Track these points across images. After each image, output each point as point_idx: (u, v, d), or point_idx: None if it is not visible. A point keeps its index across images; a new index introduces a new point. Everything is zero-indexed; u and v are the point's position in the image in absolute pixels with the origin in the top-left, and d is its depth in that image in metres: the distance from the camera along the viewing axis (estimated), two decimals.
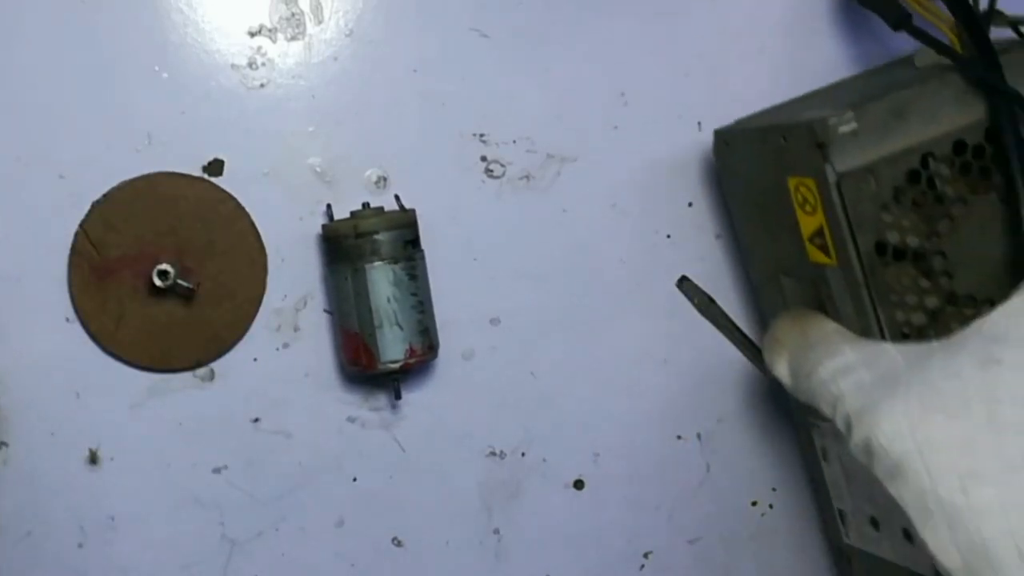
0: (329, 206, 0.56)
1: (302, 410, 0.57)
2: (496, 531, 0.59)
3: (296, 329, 0.57)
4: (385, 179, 0.58)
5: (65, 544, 0.56)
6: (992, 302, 0.49)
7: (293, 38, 0.57)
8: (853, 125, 0.49)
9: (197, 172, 0.56)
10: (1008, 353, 0.40)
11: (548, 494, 0.60)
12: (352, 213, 0.55)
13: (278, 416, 0.57)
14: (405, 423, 0.58)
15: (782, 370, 0.46)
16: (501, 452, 0.59)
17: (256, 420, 0.57)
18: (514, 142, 0.58)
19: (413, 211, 0.55)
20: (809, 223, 0.51)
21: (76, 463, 0.56)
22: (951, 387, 0.40)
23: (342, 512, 0.58)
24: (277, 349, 0.57)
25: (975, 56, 0.51)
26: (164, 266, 0.54)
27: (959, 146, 0.50)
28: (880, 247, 0.49)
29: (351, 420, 0.57)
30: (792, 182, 0.51)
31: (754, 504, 0.62)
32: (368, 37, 0.56)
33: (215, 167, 0.56)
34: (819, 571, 0.62)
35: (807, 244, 0.52)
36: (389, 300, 0.53)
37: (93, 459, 0.56)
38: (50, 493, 0.55)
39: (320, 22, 0.57)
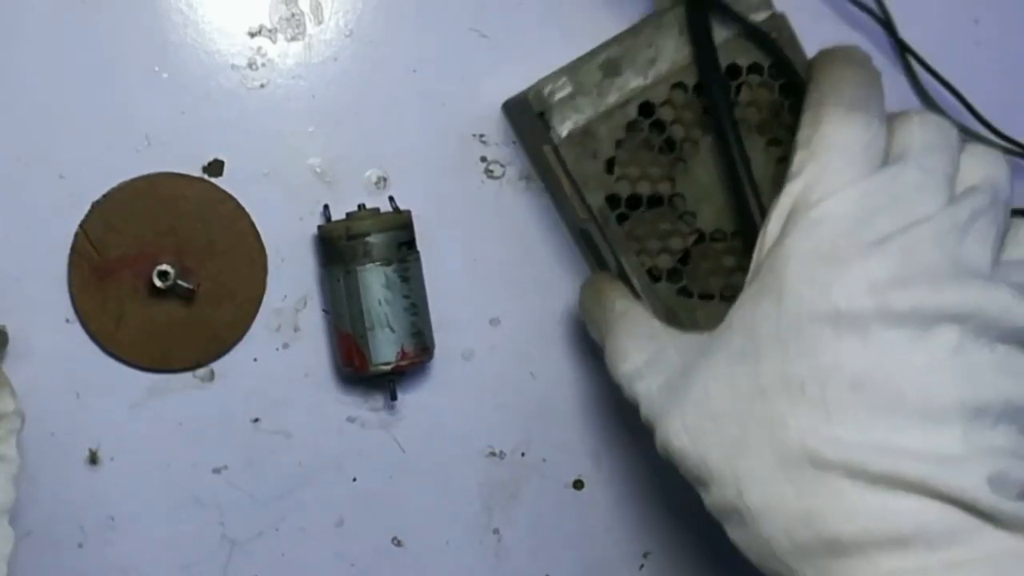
0: (327, 207, 0.56)
1: (302, 410, 0.57)
2: (496, 531, 0.59)
3: (296, 329, 0.57)
4: (385, 179, 0.58)
5: (65, 544, 0.56)
6: (741, 235, 0.52)
7: (293, 38, 0.57)
8: (568, 89, 0.51)
9: (197, 172, 0.56)
10: (751, 344, 0.41)
11: (548, 494, 0.60)
12: (347, 214, 0.55)
13: (278, 416, 0.57)
14: (405, 423, 0.58)
15: (599, 341, 0.50)
16: (501, 452, 0.59)
17: (256, 420, 0.57)
18: (514, 143, 0.58)
19: (408, 213, 0.55)
20: (566, 184, 0.53)
21: (76, 463, 0.56)
22: (717, 390, 0.41)
23: (342, 512, 0.58)
24: (277, 349, 0.57)
25: None
26: (164, 267, 0.54)
27: (679, 88, 0.51)
28: (612, 200, 0.51)
29: (351, 420, 0.58)
30: (545, 149, 0.53)
31: None
32: (368, 37, 0.56)
33: (215, 167, 0.56)
34: None
35: (573, 204, 0.54)
36: (381, 302, 0.53)
37: (93, 459, 0.56)
38: (50, 493, 0.55)
39: (320, 22, 0.57)
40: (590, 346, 0.60)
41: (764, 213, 0.47)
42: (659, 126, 0.52)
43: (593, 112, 0.51)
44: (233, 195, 0.56)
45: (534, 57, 0.58)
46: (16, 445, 0.48)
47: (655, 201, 0.52)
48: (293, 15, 0.57)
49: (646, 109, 0.51)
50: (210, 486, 0.57)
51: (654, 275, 0.52)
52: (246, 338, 0.56)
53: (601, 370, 0.59)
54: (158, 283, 0.53)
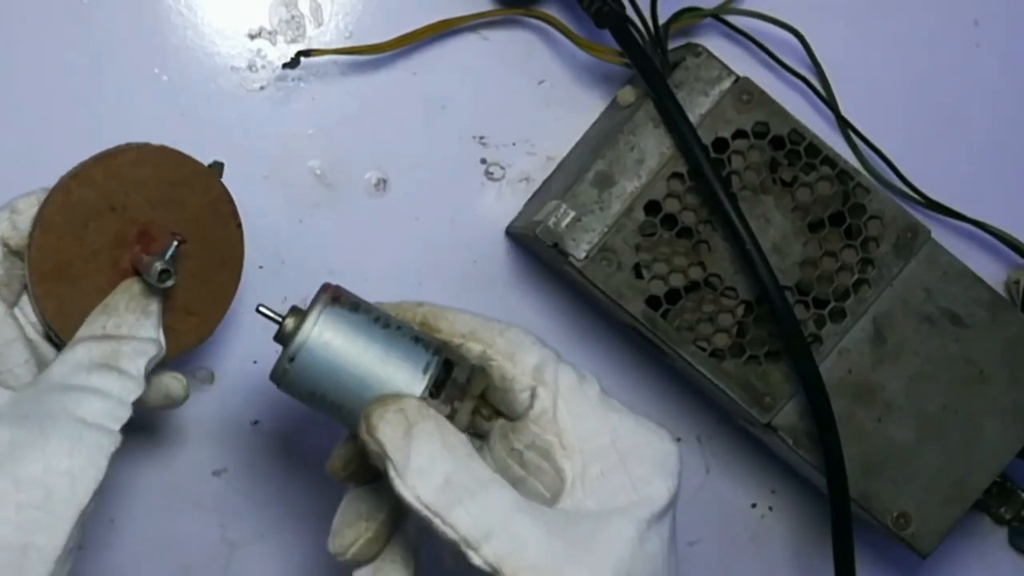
0: None
1: (302, 412, 0.57)
2: None
3: None
4: (385, 181, 0.58)
5: None
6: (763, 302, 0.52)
7: (293, 40, 0.57)
8: (571, 214, 0.52)
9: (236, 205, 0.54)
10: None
11: None
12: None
13: (278, 418, 0.57)
14: None
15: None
16: None
17: (256, 422, 0.57)
18: (513, 144, 0.59)
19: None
20: (602, 298, 0.53)
21: None
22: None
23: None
24: (277, 352, 0.57)
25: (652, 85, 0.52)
26: (161, 265, 0.46)
27: (675, 177, 0.52)
28: (651, 301, 0.52)
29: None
30: (569, 270, 0.53)
31: (753, 506, 0.62)
32: (368, 39, 0.56)
33: (215, 169, 0.56)
34: (818, 573, 0.62)
35: (615, 312, 0.55)
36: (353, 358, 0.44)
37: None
38: None
39: (320, 24, 0.57)
40: (590, 346, 0.60)
41: (773, 275, 0.50)
42: (670, 219, 0.52)
43: (603, 227, 0.52)
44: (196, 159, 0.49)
45: (534, 58, 0.59)
46: (144, 370, 0.44)
47: (693, 288, 0.52)
48: (293, 17, 0.57)
49: (652, 207, 0.52)
50: (210, 488, 0.57)
51: (718, 356, 0.52)
52: (246, 339, 0.56)
53: (601, 371, 0.60)
54: (158, 284, 0.45)
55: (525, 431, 0.43)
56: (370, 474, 0.47)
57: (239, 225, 0.50)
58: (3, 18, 0.54)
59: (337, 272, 0.57)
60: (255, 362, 0.57)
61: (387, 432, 0.41)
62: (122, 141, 0.55)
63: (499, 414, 0.45)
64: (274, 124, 0.57)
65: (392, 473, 0.40)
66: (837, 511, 0.52)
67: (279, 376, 0.43)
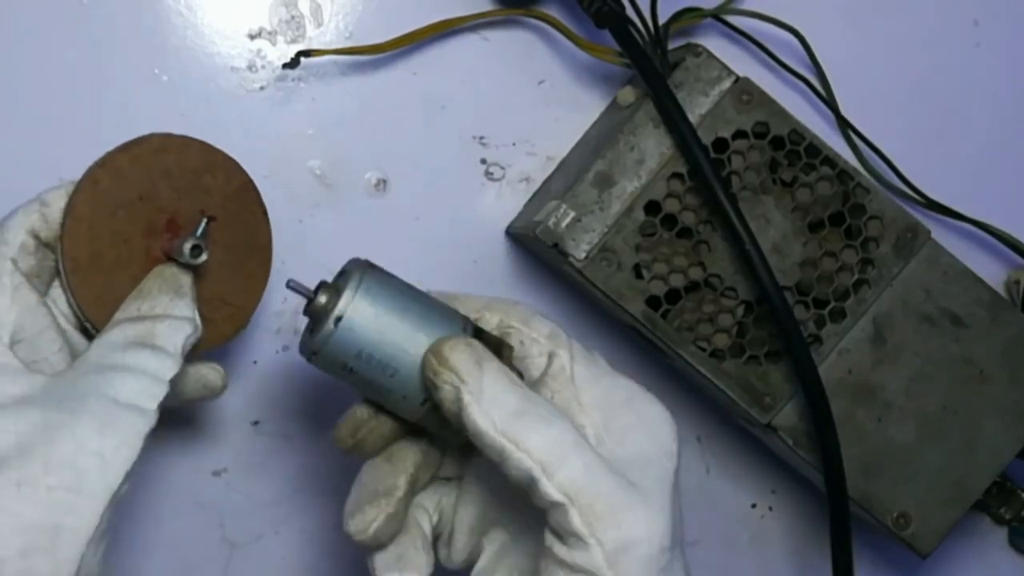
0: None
1: (302, 413, 0.57)
2: None
3: (296, 332, 0.57)
4: (385, 181, 0.58)
5: None
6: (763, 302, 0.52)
7: (293, 41, 0.57)
8: (571, 214, 0.52)
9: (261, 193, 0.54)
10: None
11: None
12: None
13: (278, 419, 0.57)
14: None
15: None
16: None
17: (256, 423, 0.57)
18: (513, 144, 0.59)
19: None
20: (602, 298, 0.53)
21: None
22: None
23: (342, 515, 0.58)
24: (277, 352, 0.57)
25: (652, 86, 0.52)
26: (193, 241, 0.46)
27: (675, 178, 0.52)
28: (652, 302, 0.52)
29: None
30: (569, 270, 0.53)
31: (753, 506, 0.62)
32: (367, 39, 0.56)
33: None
34: (819, 573, 0.62)
35: (615, 312, 0.55)
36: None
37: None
38: None
39: (320, 25, 0.57)
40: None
41: (773, 275, 0.50)
42: (670, 219, 0.52)
43: (603, 227, 0.52)
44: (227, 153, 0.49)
45: (534, 58, 0.59)
46: (182, 349, 0.44)
47: (693, 288, 0.52)
48: (293, 17, 0.57)
49: (652, 208, 0.52)
50: (210, 489, 0.57)
51: (718, 356, 0.52)
52: (246, 340, 0.56)
53: None
54: (191, 259, 0.46)
55: (544, 391, 0.44)
56: (379, 444, 0.47)
57: (265, 212, 0.50)
58: (3, 18, 0.54)
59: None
60: (255, 362, 0.57)
61: (461, 359, 0.42)
62: (123, 140, 0.55)
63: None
64: (274, 124, 0.57)
65: (468, 398, 0.41)
66: (835, 512, 0.52)
67: (320, 345, 0.43)
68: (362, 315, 0.43)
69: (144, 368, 0.43)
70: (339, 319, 0.43)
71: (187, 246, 0.45)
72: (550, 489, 0.40)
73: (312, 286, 0.44)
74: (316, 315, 0.44)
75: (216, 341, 0.49)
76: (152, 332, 0.44)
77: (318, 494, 0.58)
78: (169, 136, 0.48)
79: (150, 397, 0.42)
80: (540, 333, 0.46)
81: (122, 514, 0.55)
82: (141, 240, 0.47)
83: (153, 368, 0.43)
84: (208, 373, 0.48)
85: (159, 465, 0.56)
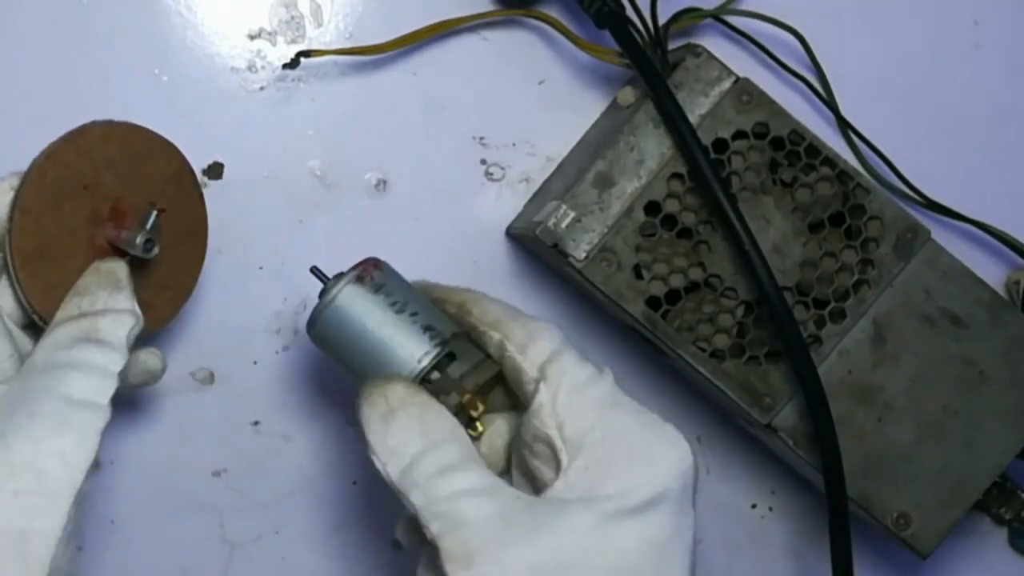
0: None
1: (302, 413, 0.57)
2: None
3: (296, 332, 0.57)
4: (385, 182, 0.58)
5: None
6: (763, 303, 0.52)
7: (293, 41, 0.57)
8: (571, 215, 0.52)
9: (196, 175, 0.55)
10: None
11: None
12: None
13: (278, 419, 0.57)
14: None
15: (388, 441, 0.43)
16: None
17: (256, 423, 0.57)
18: (514, 145, 0.59)
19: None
20: (602, 298, 0.53)
21: None
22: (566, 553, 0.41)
23: (342, 515, 0.58)
24: (277, 352, 0.57)
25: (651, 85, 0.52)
26: (147, 235, 0.46)
27: (675, 178, 0.52)
28: (652, 302, 0.52)
29: (351, 423, 0.57)
30: (569, 271, 0.53)
31: (753, 507, 0.62)
32: (367, 40, 0.56)
33: (215, 170, 0.56)
34: (819, 574, 0.62)
35: (615, 312, 0.54)
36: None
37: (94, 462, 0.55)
38: None
39: (320, 25, 0.57)
40: (589, 348, 0.60)
41: (772, 276, 0.50)
42: (670, 219, 0.52)
43: (603, 227, 0.52)
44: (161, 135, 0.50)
45: (534, 58, 0.59)
46: (126, 341, 0.44)
47: (693, 288, 0.52)
48: (293, 18, 0.57)
49: (652, 208, 0.52)
50: (210, 489, 0.57)
51: (718, 356, 0.52)
52: (246, 341, 0.56)
53: None
54: (143, 254, 0.46)
55: (529, 423, 0.44)
56: None
57: (201, 195, 0.51)
58: (3, 18, 0.54)
59: None
60: (255, 362, 0.57)
61: (368, 413, 0.44)
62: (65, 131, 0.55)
63: (514, 406, 0.47)
64: (274, 125, 0.57)
65: (367, 451, 0.43)
66: (835, 512, 0.52)
67: (313, 318, 0.47)
68: (350, 301, 0.46)
69: (92, 364, 0.43)
70: (332, 300, 0.46)
71: (139, 240, 0.45)
72: (428, 535, 0.41)
73: (313, 293, 0.47)
74: (320, 295, 0.47)
75: (157, 325, 0.49)
76: (96, 327, 0.44)
77: (318, 494, 0.58)
78: (111, 123, 0.48)
79: (102, 392, 0.42)
80: (533, 361, 0.45)
81: (122, 513, 0.55)
82: (86, 229, 0.47)
83: (101, 363, 0.43)
84: (148, 359, 0.48)
85: (159, 465, 0.56)
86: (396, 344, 0.46)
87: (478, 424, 0.46)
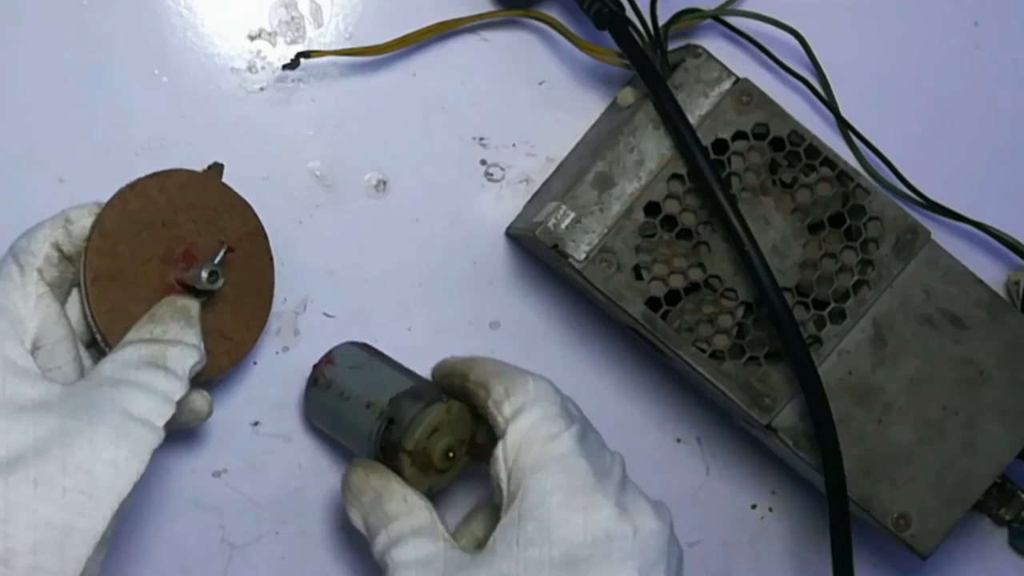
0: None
1: (302, 413, 0.57)
2: None
3: (296, 333, 0.57)
4: (385, 182, 0.58)
5: None
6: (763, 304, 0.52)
7: (293, 42, 0.57)
8: (571, 215, 0.52)
9: (269, 240, 0.54)
10: (521, 570, 0.45)
11: None
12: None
13: (278, 420, 0.57)
14: None
15: (358, 521, 0.50)
16: None
17: (256, 424, 0.57)
18: (514, 145, 0.59)
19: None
20: (602, 299, 0.53)
21: None
22: None
23: (342, 515, 0.58)
24: (277, 353, 0.57)
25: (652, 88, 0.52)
26: (213, 267, 0.49)
27: (675, 179, 0.52)
28: (651, 303, 0.52)
29: None
30: (569, 272, 0.53)
31: (753, 507, 0.62)
32: (367, 40, 0.56)
33: (215, 170, 0.56)
34: (818, 574, 0.62)
35: (614, 313, 0.55)
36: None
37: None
38: None
39: (320, 26, 0.57)
40: (589, 348, 0.60)
41: (772, 276, 0.50)
42: (670, 220, 0.52)
43: (603, 228, 0.52)
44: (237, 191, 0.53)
45: (534, 59, 0.59)
46: (189, 374, 0.47)
47: (693, 289, 0.52)
48: (293, 18, 0.57)
49: (652, 209, 0.52)
50: (210, 490, 0.57)
51: (717, 357, 0.52)
52: None
53: (601, 373, 0.60)
54: (208, 284, 0.48)
55: (490, 472, 0.48)
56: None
57: (271, 259, 0.53)
58: (3, 18, 0.54)
59: (337, 274, 0.57)
60: (255, 363, 0.57)
61: (343, 494, 0.51)
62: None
63: (467, 463, 0.52)
64: (274, 125, 0.57)
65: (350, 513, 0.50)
66: (835, 513, 0.52)
67: (303, 397, 0.56)
68: (311, 403, 0.55)
69: (156, 387, 0.45)
70: (303, 401, 0.56)
71: (205, 272, 0.48)
72: None
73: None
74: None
75: (214, 372, 0.51)
76: (164, 354, 0.46)
77: (318, 494, 0.58)
78: (194, 173, 0.51)
79: (159, 415, 0.45)
80: (505, 416, 0.47)
81: (121, 520, 0.55)
82: (158, 264, 0.49)
83: (164, 388, 0.45)
84: (196, 399, 0.50)
85: (159, 465, 0.56)
86: (355, 425, 0.52)
87: (438, 466, 0.50)
